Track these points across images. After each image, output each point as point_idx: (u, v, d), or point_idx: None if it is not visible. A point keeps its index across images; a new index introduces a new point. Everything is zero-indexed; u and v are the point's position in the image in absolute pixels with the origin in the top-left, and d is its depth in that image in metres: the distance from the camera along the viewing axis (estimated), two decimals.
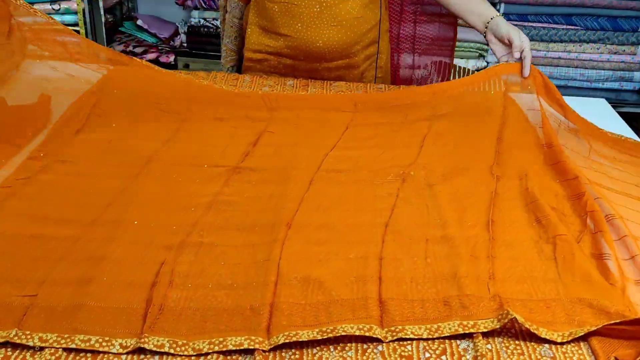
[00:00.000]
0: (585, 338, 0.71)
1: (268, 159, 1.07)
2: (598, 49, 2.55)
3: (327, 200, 0.95)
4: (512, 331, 0.71)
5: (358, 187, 1.00)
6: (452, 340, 0.70)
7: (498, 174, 1.03)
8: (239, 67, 1.59)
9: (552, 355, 0.68)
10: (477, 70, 2.59)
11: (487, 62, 2.63)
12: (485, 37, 1.31)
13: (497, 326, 0.70)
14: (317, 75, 1.47)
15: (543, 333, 0.70)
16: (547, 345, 0.69)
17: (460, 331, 0.70)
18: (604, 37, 2.52)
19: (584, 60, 2.58)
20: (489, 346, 0.69)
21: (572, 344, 0.70)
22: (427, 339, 0.70)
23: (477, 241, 0.86)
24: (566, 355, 0.68)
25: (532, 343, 0.70)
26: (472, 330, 0.70)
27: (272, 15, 1.40)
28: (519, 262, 0.83)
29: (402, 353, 0.68)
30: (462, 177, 1.03)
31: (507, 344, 0.69)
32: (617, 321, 0.70)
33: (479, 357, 0.67)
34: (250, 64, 1.50)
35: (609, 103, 1.48)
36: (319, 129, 1.19)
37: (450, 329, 0.70)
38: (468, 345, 0.69)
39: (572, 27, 2.53)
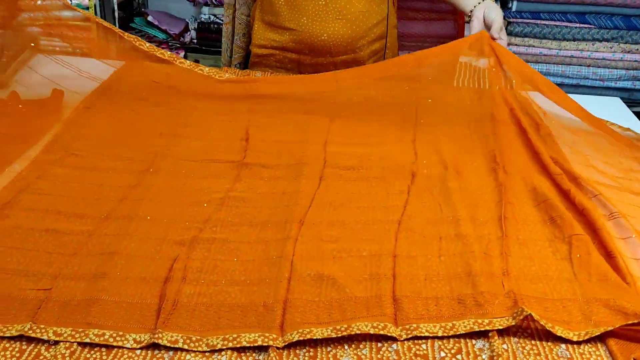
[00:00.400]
0: (602, 339, 0.70)
1: (272, 155, 1.07)
2: (611, 47, 2.52)
3: (339, 198, 0.95)
4: (528, 331, 0.71)
5: (369, 184, 0.99)
6: (468, 340, 0.69)
7: (503, 166, 1.02)
8: (245, 64, 1.59)
9: (569, 356, 0.67)
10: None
11: None
12: (471, 12, 1.31)
13: (513, 323, 0.69)
14: (322, 70, 1.46)
15: (559, 331, 0.69)
16: (563, 346, 0.69)
17: (476, 329, 0.69)
18: (618, 35, 2.49)
19: (596, 59, 2.55)
20: (504, 346, 0.68)
21: (590, 345, 0.69)
22: (442, 337, 0.69)
23: (490, 239, 0.85)
24: (583, 356, 0.68)
25: (549, 343, 0.69)
26: (487, 328, 0.69)
27: (278, 9, 1.40)
28: (534, 261, 0.82)
29: (417, 352, 0.68)
30: (469, 171, 1.02)
31: (523, 344, 0.69)
32: (635, 322, 0.69)
33: (494, 357, 0.66)
34: (257, 59, 1.50)
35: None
36: (306, 122, 1.18)
37: (465, 326, 0.70)
38: (484, 345, 0.68)
39: (586, 26, 2.51)
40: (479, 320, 0.70)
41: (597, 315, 0.72)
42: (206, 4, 2.87)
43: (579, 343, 0.69)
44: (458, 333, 0.69)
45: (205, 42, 2.91)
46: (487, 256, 0.81)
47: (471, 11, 1.31)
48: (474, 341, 0.69)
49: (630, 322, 0.69)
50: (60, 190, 0.94)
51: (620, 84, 2.57)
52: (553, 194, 0.96)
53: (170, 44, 2.92)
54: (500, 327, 0.69)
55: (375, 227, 0.88)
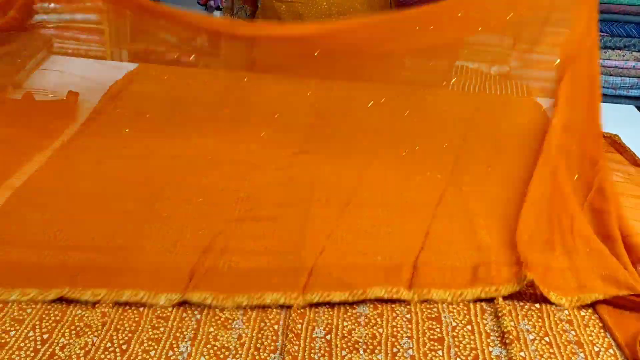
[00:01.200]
0: (613, 339, 0.70)
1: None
2: (623, 55, 2.50)
3: (378, 182, 0.99)
4: (547, 339, 0.70)
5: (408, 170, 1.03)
6: (485, 347, 0.68)
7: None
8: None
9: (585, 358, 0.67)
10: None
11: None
12: None
13: (517, 289, 0.74)
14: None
15: (553, 297, 0.74)
16: (582, 355, 0.68)
17: (483, 296, 0.74)
18: (630, 44, 2.48)
19: (608, 67, 2.53)
20: (522, 353, 0.67)
21: (609, 354, 0.68)
22: (455, 339, 0.69)
23: (512, 213, 0.88)
24: None
25: (567, 352, 0.68)
26: (494, 295, 0.74)
27: (280, 14, 1.41)
28: (540, 229, 0.85)
29: (433, 358, 0.67)
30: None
31: (541, 352, 0.68)
32: (627, 293, 0.73)
33: None
34: None
35: None
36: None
37: (473, 294, 0.74)
38: (501, 352, 0.68)
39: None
40: (486, 288, 0.75)
41: (592, 284, 0.76)
42: (218, 8, 2.89)
43: (596, 349, 0.68)
44: (466, 299, 0.74)
45: None
46: (505, 228, 0.86)
47: None
48: (490, 348, 0.68)
49: (622, 293, 0.73)
50: (83, 175, 0.96)
51: (632, 93, 2.55)
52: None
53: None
54: (506, 294, 0.74)
55: (415, 209, 0.92)
